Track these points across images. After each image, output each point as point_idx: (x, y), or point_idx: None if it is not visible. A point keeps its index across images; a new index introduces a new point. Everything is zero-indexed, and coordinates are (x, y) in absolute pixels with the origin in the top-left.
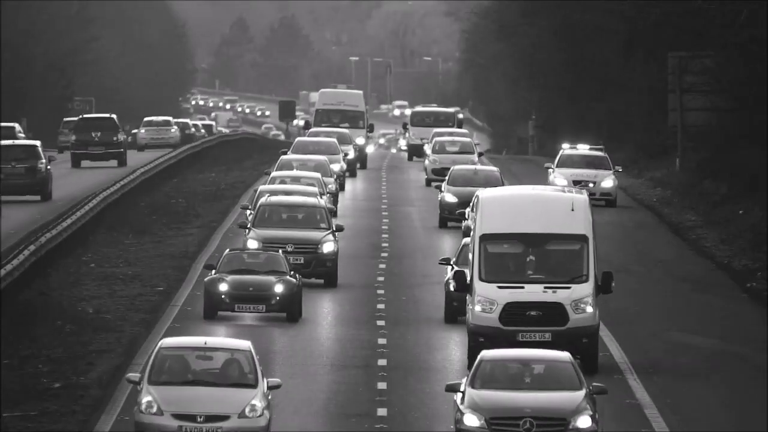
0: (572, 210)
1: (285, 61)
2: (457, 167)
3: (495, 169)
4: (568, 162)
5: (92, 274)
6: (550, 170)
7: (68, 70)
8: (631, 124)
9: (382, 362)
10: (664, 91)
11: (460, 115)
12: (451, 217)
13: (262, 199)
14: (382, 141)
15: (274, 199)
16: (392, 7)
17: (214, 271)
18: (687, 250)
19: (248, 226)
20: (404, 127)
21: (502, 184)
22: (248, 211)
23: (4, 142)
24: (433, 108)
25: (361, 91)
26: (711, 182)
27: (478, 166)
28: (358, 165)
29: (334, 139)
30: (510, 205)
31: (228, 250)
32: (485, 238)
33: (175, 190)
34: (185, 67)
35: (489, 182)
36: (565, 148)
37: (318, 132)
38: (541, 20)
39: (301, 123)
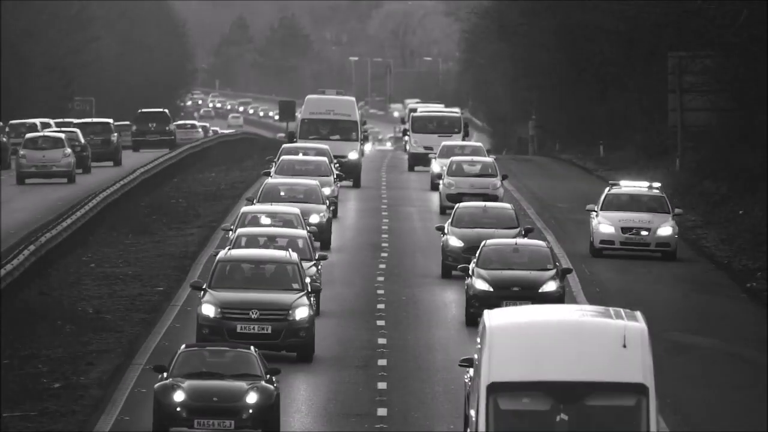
0: (624, 346)
1: (285, 61)
2: (463, 205)
3: (508, 206)
4: (615, 203)
5: (92, 274)
6: (593, 214)
7: (68, 70)
8: (631, 124)
9: (382, 362)
10: (664, 91)
11: (459, 111)
12: (456, 265)
13: (221, 253)
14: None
15: (235, 252)
16: (392, 7)
17: (165, 374)
18: (687, 250)
19: (203, 286)
20: (404, 132)
21: (517, 224)
22: (230, 233)
23: (85, 120)
24: (436, 111)
25: (353, 98)
26: (711, 182)
27: (488, 204)
28: (351, 182)
29: (325, 158)
30: (532, 337)
31: (184, 345)
32: (495, 389)
33: (175, 190)
34: (185, 67)
35: (501, 221)
36: (613, 186)
37: (299, 149)
38: (541, 20)
39: (283, 135)
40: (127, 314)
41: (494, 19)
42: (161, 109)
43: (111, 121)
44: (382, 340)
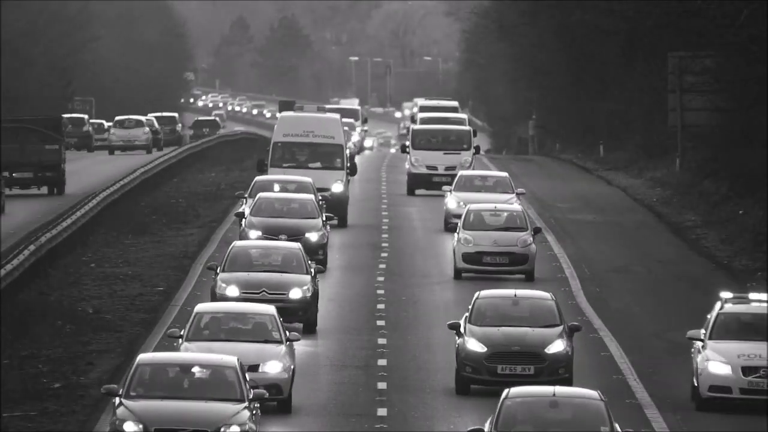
0: None
1: (285, 61)
2: (485, 294)
3: (547, 296)
4: (731, 327)
5: (92, 274)
6: (698, 344)
7: (68, 70)
8: (631, 124)
9: (382, 362)
10: (664, 91)
11: (463, 115)
12: (477, 377)
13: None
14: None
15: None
16: (392, 7)
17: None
18: (687, 250)
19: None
20: (403, 149)
21: (559, 321)
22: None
23: (156, 114)
24: (440, 117)
25: (337, 116)
26: (711, 182)
27: (519, 293)
28: (335, 220)
29: (311, 197)
30: None
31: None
32: None
33: (175, 190)
34: (185, 67)
35: (536, 317)
36: (728, 302)
37: (274, 182)
38: (541, 20)
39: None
40: (127, 314)
41: (494, 19)
42: (213, 118)
43: (176, 114)
44: (382, 340)
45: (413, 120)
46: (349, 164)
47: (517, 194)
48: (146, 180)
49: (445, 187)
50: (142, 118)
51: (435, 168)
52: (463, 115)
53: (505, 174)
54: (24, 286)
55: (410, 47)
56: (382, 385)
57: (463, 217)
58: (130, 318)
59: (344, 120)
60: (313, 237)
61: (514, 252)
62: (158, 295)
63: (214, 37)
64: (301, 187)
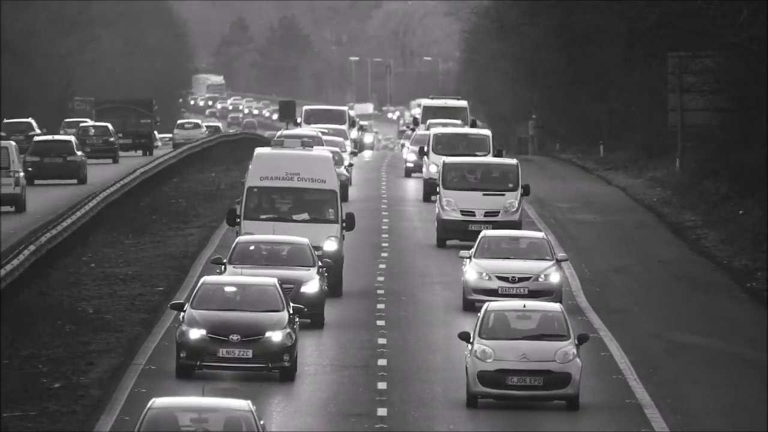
0: None
1: (285, 61)
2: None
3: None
4: None
5: (92, 274)
6: None
7: (68, 70)
8: (631, 124)
9: (382, 362)
10: (664, 91)
11: (487, 131)
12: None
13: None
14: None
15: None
16: (392, 7)
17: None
18: (687, 250)
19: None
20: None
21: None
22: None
23: (186, 120)
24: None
25: (328, 153)
26: (711, 182)
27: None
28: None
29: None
30: None
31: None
32: None
33: (175, 190)
34: (185, 67)
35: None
36: None
37: (253, 243)
38: (542, 20)
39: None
40: (127, 314)
41: (494, 19)
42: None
43: (199, 121)
44: (382, 340)
45: (415, 123)
46: (344, 216)
47: (558, 261)
48: (146, 180)
49: (462, 252)
50: (199, 120)
51: (472, 213)
52: (487, 132)
53: (541, 235)
54: (24, 286)
55: (410, 47)
56: (382, 385)
57: (480, 320)
58: (130, 318)
59: (329, 137)
60: (275, 337)
61: (551, 370)
62: (158, 295)
63: (214, 37)
64: (291, 254)
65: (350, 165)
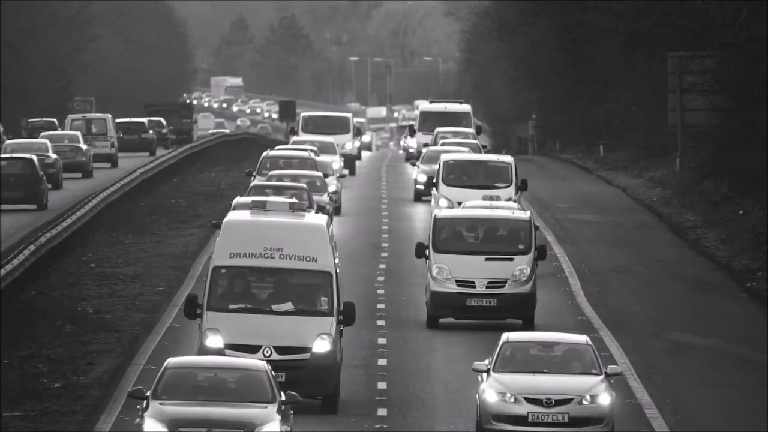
0: None
1: (285, 61)
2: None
3: None
4: None
5: (92, 274)
6: None
7: (68, 70)
8: (631, 124)
9: (382, 362)
10: (664, 91)
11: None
12: None
13: (170, 361)
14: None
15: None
16: (392, 7)
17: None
18: (687, 250)
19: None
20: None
21: None
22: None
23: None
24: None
25: (324, 218)
26: (711, 182)
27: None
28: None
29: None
30: None
31: None
32: None
33: (175, 190)
34: (185, 67)
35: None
36: None
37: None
38: (541, 20)
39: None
40: (127, 314)
41: (494, 19)
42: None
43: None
44: (382, 340)
45: (411, 131)
46: (342, 306)
47: (608, 375)
48: (146, 180)
49: (477, 365)
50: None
51: (472, 284)
52: (508, 158)
53: (584, 339)
54: (24, 286)
55: (410, 47)
56: (382, 385)
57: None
58: (130, 318)
59: (322, 158)
60: None
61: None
62: (158, 295)
63: (214, 37)
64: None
65: (333, 193)
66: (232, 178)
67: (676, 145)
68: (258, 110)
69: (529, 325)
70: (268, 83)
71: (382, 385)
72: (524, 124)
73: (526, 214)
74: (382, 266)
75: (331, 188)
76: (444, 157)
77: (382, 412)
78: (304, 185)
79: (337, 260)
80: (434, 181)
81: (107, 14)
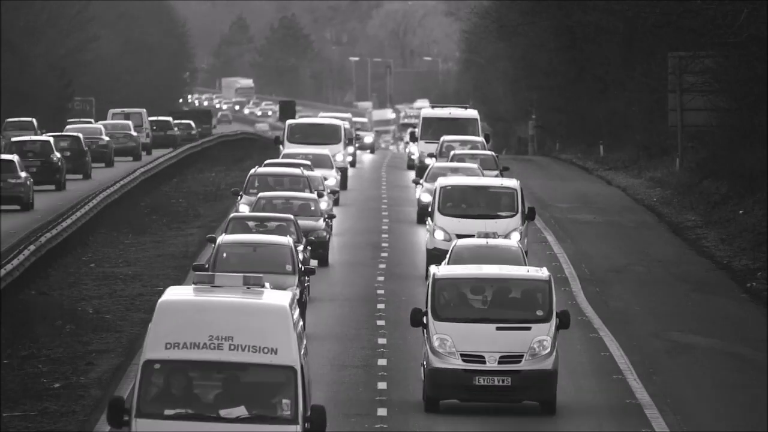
0: None
1: (285, 61)
2: None
3: None
4: None
5: (92, 274)
6: None
7: (68, 70)
8: (631, 124)
9: (382, 362)
10: (664, 91)
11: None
12: None
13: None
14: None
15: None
16: (392, 7)
17: None
18: (687, 250)
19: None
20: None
21: None
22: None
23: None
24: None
25: (288, 296)
26: (711, 182)
27: None
28: None
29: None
30: None
31: None
32: None
33: (175, 190)
34: (185, 67)
35: None
36: None
37: None
38: (541, 20)
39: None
40: (127, 314)
41: (494, 19)
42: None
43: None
44: (382, 340)
45: (413, 138)
46: (309, 411)
47: None
48: (146, 180)
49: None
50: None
51: (481, 359)
52: (513, 183)
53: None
54: (24, 286)
55: (410, 47)
56: (382, 385)
57: None
58: (130, 318)
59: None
60: None
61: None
62: (158, 295)
63: (214, 37)
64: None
65: (329, 217)
66: (233, 178)
67: (676, 145)
68: (269, 113)
69: (548, 409)
70: (268, 83)
71: (382, 385)
72: (524, 124)
73: (544, 274)
74: (382, 266)
75: (323, 205)
76: (440, 182)
77: (382, 412)
78: (291, 216)
79: (303, 351)
80: (429, 209)
81: (107, 14)
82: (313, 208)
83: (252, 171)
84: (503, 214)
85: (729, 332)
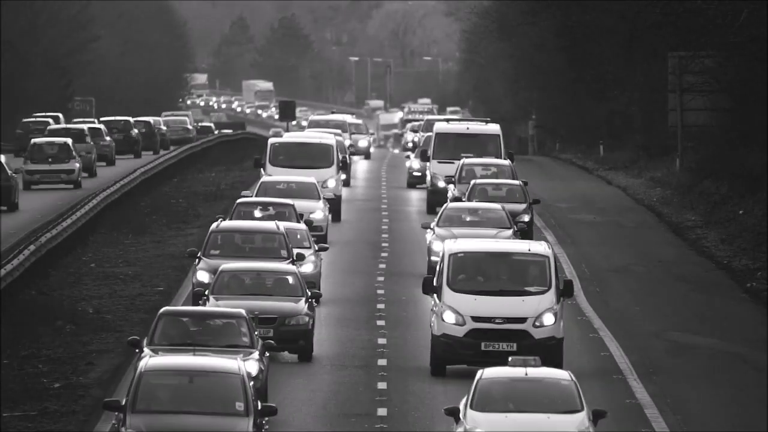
0: None
1: (285, 61)
2: None
3: None
4: None
5: (92, 274)
6: None
7: (68, 70)
8: (631, 124)
9: (382, 362)
10: (664, 91)
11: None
12: None
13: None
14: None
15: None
16: (392, 7)
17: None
18: (687, 250)
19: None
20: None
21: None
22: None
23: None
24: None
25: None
26: (711, 182)
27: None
28: None
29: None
30: None
31: None
32: None
33: (175, 190)
34: (185, 67)
35: None
36: None
37: None
38: (542, 20)
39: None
40: (127, 314)
41: (494, 19)
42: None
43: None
44: (382, 340)
45: (424, 157)
46: None
47: None
48: (146, 180)
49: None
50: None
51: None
52: (544, 248)
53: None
54: (24, 286)
55: (410, 47)
56: (382, 385)
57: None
58: (130, 318)
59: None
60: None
61: None
62: (158, 295)
63: (214, 37)
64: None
65: (319, 249)
66: (232, 178)
67: (676, 145)
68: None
69: None
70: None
71: (382, 385)
72: (524, 124)
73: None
74: (382, 266)
75: (308, 267)
76: (449, 247)
77: (382, 412)
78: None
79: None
80: (434, 283)
81: (107, 14)
82: (291, 282)
83: (213, 225)
84: (532, 289)
85: (729, 332)
